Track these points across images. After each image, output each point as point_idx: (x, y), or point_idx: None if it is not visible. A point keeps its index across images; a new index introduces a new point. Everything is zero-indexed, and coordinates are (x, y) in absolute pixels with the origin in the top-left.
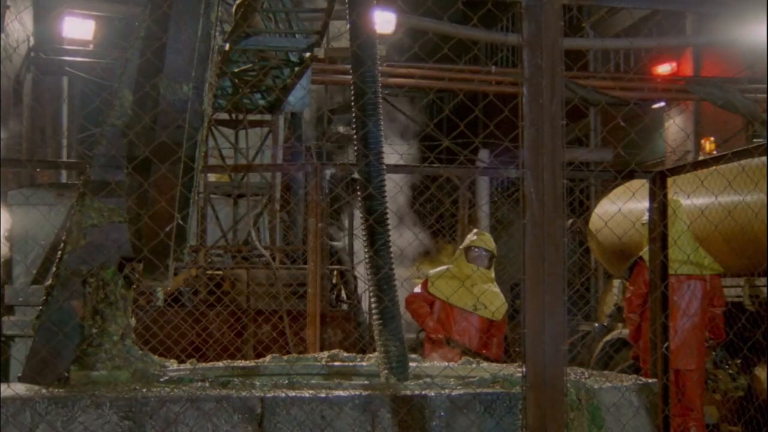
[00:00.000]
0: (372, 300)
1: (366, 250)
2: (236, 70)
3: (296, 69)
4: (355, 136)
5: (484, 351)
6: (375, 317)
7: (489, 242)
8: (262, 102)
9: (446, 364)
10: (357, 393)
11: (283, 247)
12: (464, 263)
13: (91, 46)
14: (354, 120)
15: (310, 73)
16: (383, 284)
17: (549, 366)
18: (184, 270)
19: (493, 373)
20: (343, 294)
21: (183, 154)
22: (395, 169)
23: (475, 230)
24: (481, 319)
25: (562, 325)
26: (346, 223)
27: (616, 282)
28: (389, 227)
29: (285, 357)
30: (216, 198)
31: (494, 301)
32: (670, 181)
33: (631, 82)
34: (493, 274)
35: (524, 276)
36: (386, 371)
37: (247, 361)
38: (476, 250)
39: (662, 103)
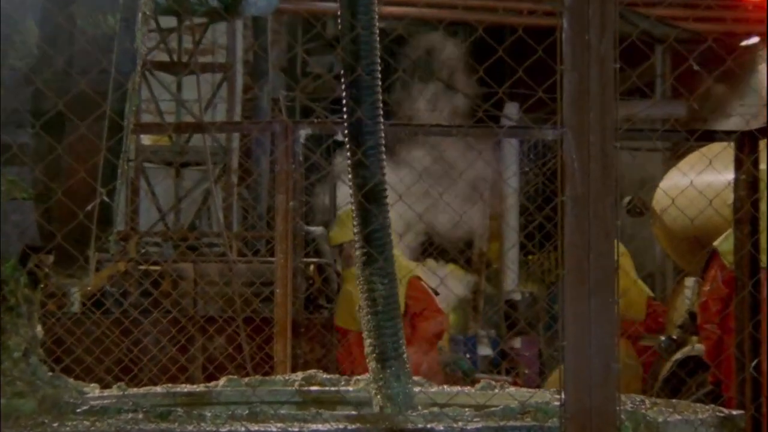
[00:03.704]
0: (363, 303)
1: (356, 236)
2: None
3: None
4: (341, 84)
5: None
6: (367, 325)
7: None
8: (214, 2)
9: (459, 389)
10: (341, 426)
11: (243, 233)
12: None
13: None
14: (341, 63)
15: None
16: (377, 281)
17: (596, 391)
18: (109, 264)
19: (523, 401)
20: (323, 296)
21: (108, 109)
22: (393, 129)
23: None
24: None
25: (614, 336)
26: (327, 201)
27: (689, 281)
28: (387, 206)
29: (245, 380)
30: (152, 167)
31: None
32: (762, 144)
33: (711, 10)
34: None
35: (563, 271)
36: (381, 397)
37: (195, 385)
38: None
39: (753, 40)
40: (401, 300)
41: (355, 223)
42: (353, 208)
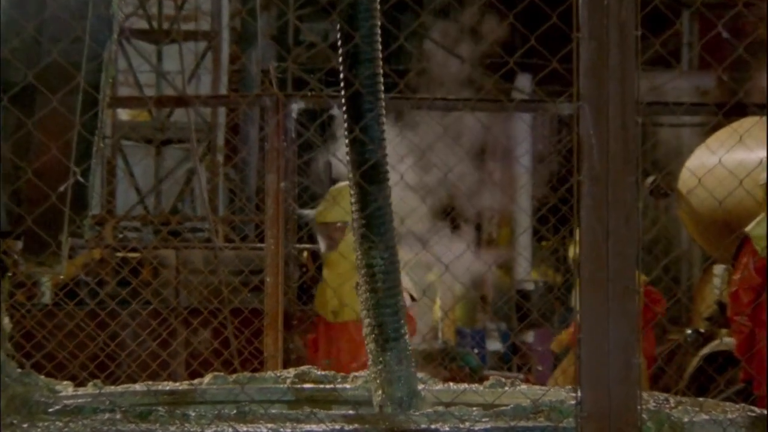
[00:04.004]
0: (362, 279)
1: (353, 219)
2: None
3: None
4: (338, 54)
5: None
6: (366, 304)
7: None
8: None
9: (466, 386)
10: (337, 427)
11: (230, 216)
12: None
13: None
14: (337, 30)
15: None
16: (377, 256)
17: (615, 389)
18: (83, 251)
19: (535, 399)
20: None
21: (82, 81)
22: (394, 102)
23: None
24: None
25: (635, 328)
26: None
27: (718, 269)
28: (387, 184)
29: (232, 377)
30: (131, 145)
31: None
32: None
33: None
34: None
35: (579, 258)
36: (382, 396)
37: (177, 383)
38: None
39: None
40: (342, 295)
41: (353, 201)
42: (352, 187)
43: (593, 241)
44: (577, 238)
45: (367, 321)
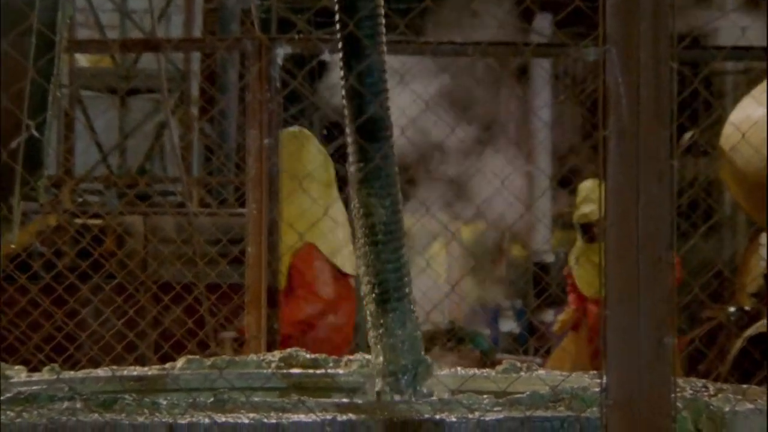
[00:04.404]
0: (360, 232)
1: (351, 182)
2: None
3: None
4: None
5: None
6: (364, 260)
7: None
8: None
9: (476, 371)
10: (329, 417)
11: (206, 178)
12: None
13: None
14: None
15: None
16: (377, 204)
17: (646, 373)
18: (38, 216)
19: (554, 386)
20: None
21: (36, 21)
22: (396, 47)
23: None
24: None
25: (668, 303)
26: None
27: (765, 238)
28: (389, 141)
29: (209, 360)
30: (92, 96)
31: None
32: None
33: None
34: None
35: (605, 223)
36: (381, 348)
37: (146, 368)
38: None
39: None
40: (283, 270)
41: (351, 161)
42: (349, 143)
43: (621, 204)
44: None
45: (365, 279)
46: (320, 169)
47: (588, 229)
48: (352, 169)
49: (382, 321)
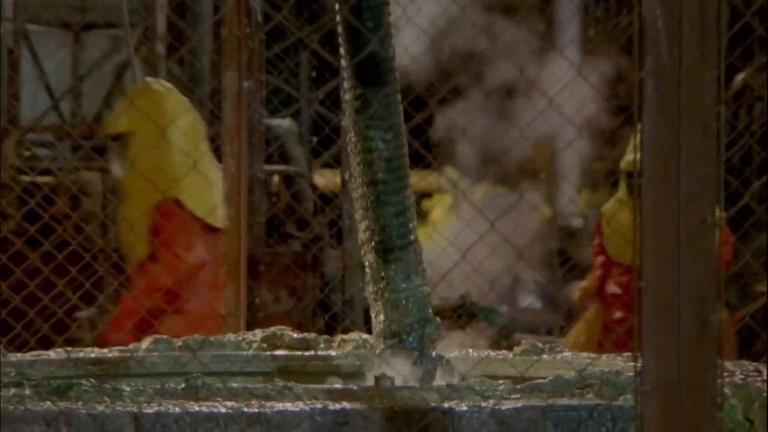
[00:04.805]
0: (356, 168)
1: (347, 111)
2: None
3: None
4: None
5: None
6: (362, 202)
7: None
8: None
9: (490, 353)
10: (319, 406)
11: None
12: None
13: None
14: None
15: None
16: (376, 137)
17: (687, 355)
18: None
19: (581, 369)
20: (292, 220)
21: None
22: None
23: None
24: None
25: (713, 274)
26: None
27: None
28: (392, 84)
29: (179, 340)
30: (40, 31)
31: None
32: None
33: None
34: None
35: (641, 180)
36: (383, 305)
37: (106, 349)
38: None
39: None
40: (141, 229)
41: (346, 86)
42: (346, 87)
43: (659, 158)
44: (638, 154)
45: (363, 225)
46: (185, 122)
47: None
48: (347, 96)
49: (383, 273)
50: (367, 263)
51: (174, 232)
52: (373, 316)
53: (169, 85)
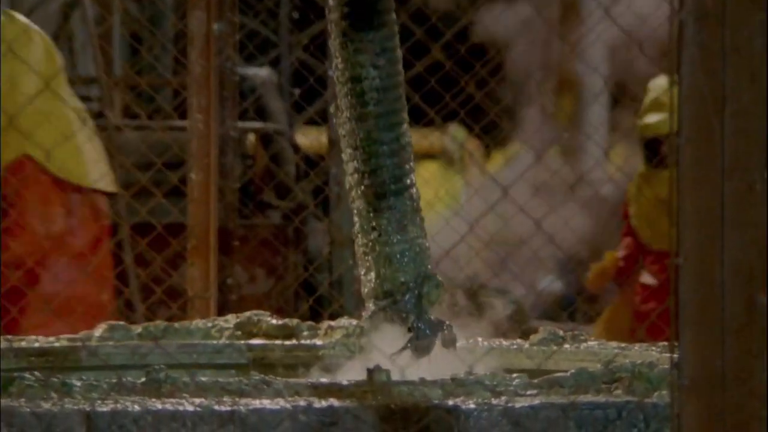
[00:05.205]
0: (343, 101)
1: (332, 32)
2: None
3: None
4: None
5: None
6: (351, 159)
7: None
8: None
9: (502, 342)
10: (302, 403)
11: (132, 77)
12: None
13: None
14: None
15: None
16: (366, 63)
17: (732, 343)
18: None
19: (608, 361)
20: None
21: None
22: None
23: None
24: None
25: (763, 249)
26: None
27: None
28: (392, 33)
29: (138, 327)
30: None
31: None
32: None
33: None
34: None
35: (678, 139)
36: (373, 259)
37: (53, 338)
38: None
39: None
40: None
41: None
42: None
43: (700, 113)
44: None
45: (351, 167)
46: (42, 66)
47: (654, 148)
48: (333, 16)
49: (373, 223)
50: (355, 211)
51: (29, 196)
52: (362, 273)
53: (22, 18)
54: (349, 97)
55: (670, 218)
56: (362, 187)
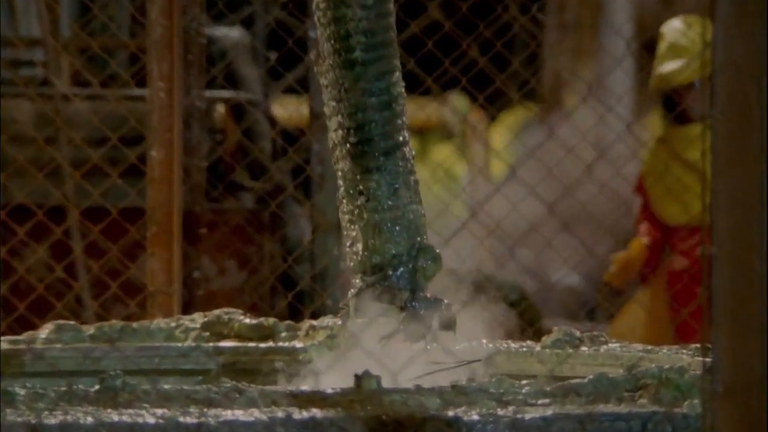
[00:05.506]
0: (325, 48)
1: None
2: None
3: None
4: None
5: None
6: (335, 112)
7: None
8: None
9: (510, 344)
10: (280, 415)
11: (83, 40)
12: None
13: None
14: None
15: None
16: (355, 26)
17: None
18: None
19: (631, 365)
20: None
21: None
22: None
23: None
24: None
25: None
26: None
27: None
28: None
29: (90, 328)
30: None
31: None
32: None
33: None
34: None
35: (713, 115)
36: (359, 230)
37: None
38: None
39: None
40: None
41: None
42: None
43: (736, 80)
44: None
45: (334, 122)
46: None
47: (673, 103)
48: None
49: (360, 187)
50: (340, 173)
51: None
52: (347, 245)
53: None
54: (332, 41)
55: (702, 201)
56: (347, 146)
